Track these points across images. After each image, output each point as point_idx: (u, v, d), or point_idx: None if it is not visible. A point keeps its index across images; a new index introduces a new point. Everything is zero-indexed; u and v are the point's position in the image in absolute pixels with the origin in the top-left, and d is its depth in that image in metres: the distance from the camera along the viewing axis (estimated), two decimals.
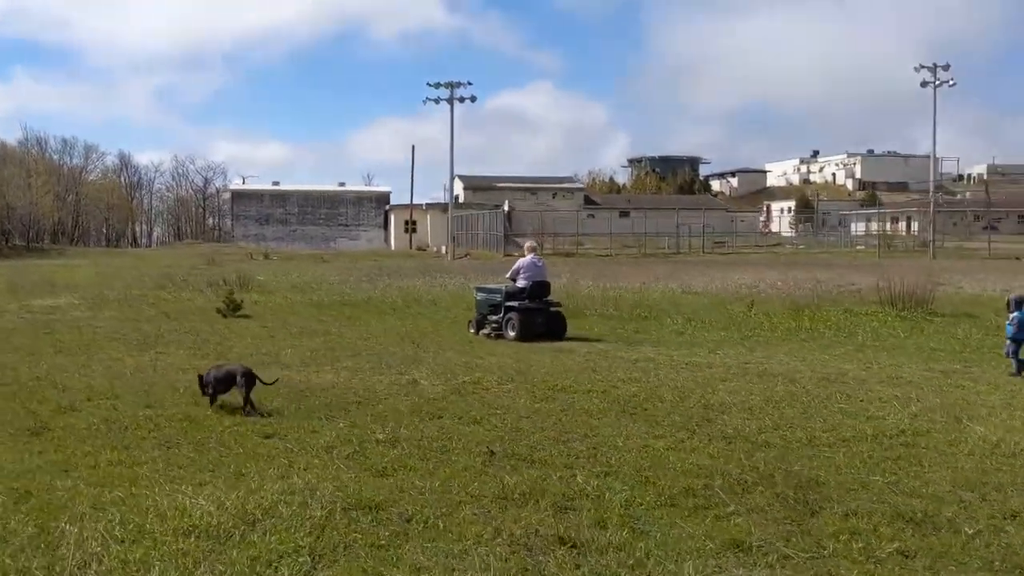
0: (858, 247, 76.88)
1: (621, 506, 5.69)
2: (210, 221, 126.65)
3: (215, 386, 8.89)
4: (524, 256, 16.66)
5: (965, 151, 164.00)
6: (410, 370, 11.49)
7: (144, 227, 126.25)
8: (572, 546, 4.98)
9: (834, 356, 12.99)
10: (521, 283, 16.00)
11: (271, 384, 9.30)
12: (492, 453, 7.09)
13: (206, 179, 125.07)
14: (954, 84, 58.39)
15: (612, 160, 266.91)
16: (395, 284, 28.59)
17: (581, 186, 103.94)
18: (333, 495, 5.91)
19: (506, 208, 68.48)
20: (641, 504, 5.75)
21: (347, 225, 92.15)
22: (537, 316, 15.55)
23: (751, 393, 9.69)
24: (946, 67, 57.99)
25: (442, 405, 9.08)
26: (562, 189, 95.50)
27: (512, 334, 15.28)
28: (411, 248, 76.18)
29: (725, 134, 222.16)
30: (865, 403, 9.20)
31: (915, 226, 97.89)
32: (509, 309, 15.66)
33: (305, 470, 6.67)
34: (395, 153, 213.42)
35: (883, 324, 16.54)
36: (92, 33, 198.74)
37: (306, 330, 16.31)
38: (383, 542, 5.08)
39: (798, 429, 7.95)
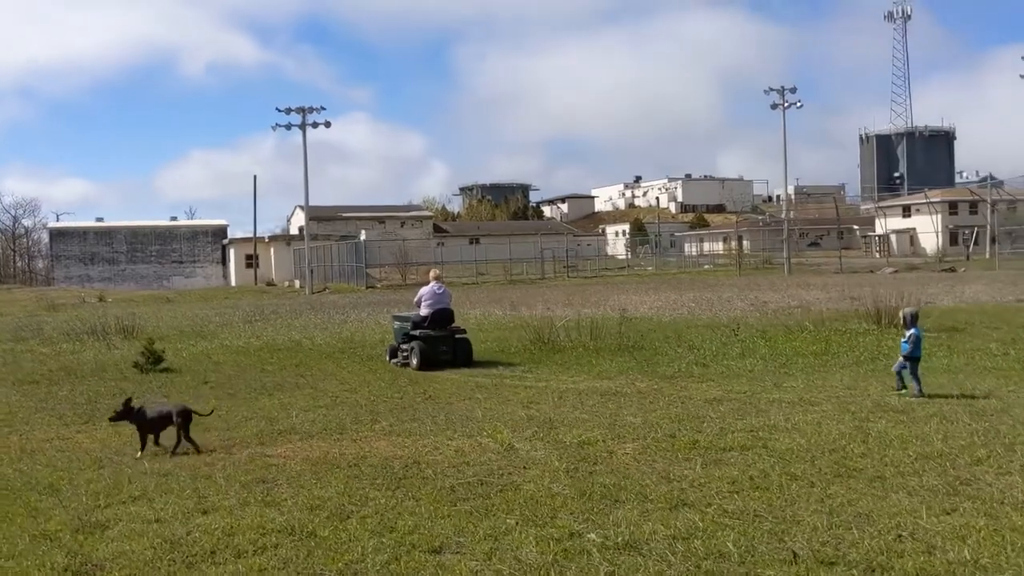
0: (705, 266, 78.63)
1: None
2: (19, 263, 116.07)
3: (152, 425, 8.80)
4: (428, 284, 16.21)
5: (761, 174, 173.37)
6: (477, 430, 9.29)
7: None
8: None
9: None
10: (424, 311, 15.65)
11: (208, 415, 9.33)
12: (796, 556, 5.13)
13: (15, 218, 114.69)
14: (800, 106, 60.41)
15: (431, 189, 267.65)
16: (298, 324, 25.73)
17: (429, 214, 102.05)
18: None
19: (362, 238, 65.47)
20: None
21: (181, 262, 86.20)
22: (440, 344, 15.31)
23: (945, 436, 8.11)
24: (793, 90, 60.02)
25: (600, 481, 7.00)
26: (411, 218, 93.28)
27: (415, 362, 14.98)
28: (255, 283, 71.88)
29: (541, 162, 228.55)
30: None
31: (747, 245, 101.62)
32: (412, 338, 15.35)
33: None
34: (209, 188, 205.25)
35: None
36: None
37: (269, 385, 13.63)
38: None
39: None
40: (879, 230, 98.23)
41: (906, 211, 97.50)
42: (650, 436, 8.63)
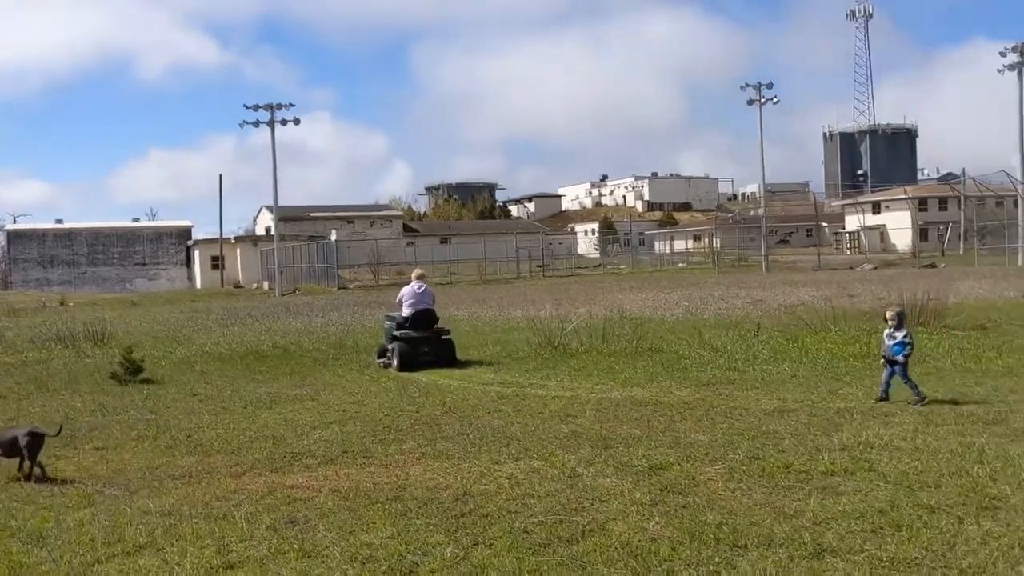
0: (679, 264, 77.99)
1: None
2: None
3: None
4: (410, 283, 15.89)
5: (720, 173, 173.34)
6: (523, 451, 8.13)
7: None
8: None
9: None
10: (405, 311, 15.35)
11: (56, 435, 8.40)
12: None
13: None
14: (777, 101, 59.87)
15: (394, 189, 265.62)
16: (278, 328, 24.38)
17: (399, 214, 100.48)
18: None
19: (333, 238, 63.85)
20: None
21: (145, 264, 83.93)
22: (422, 345, 14.98)
23: None
24: (769, 85, 59.39)
25: (702, 519, 5.87)
26: (380, 217, 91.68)
27: (395, 363, 14.79)
28: (222, 286, 70.05)
29: (502, 162, 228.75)
30: None
31: (717, 243, 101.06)
32: (394, 339, 15.09)
33: None
34: (168, 189, 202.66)
35: (936, 343, 14.56)
36: None
37: (265, 397, 12.34)
38: None
39: None
40: (850, 227, 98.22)
41: (876, 207, 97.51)
42: (729, 457, 7.53)
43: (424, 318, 15.27)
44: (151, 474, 7.99)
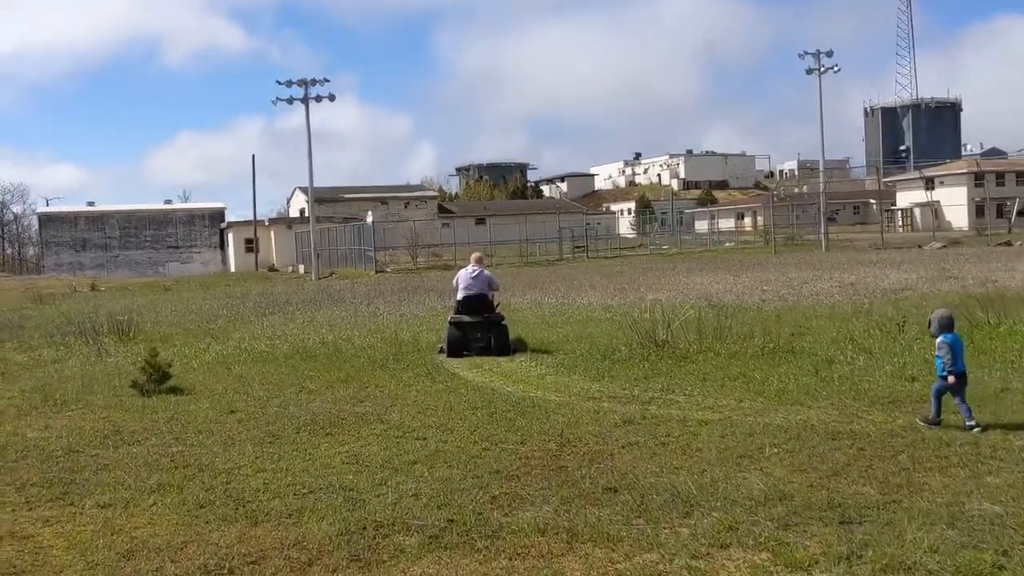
0: (726, 244, 74.87)
1: None
2: (8, 250, 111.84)
3: None
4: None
5: (748, 149, 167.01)
6: (726, 531, 5.44)
7: None
8: None
9: None
10: (459, 295, 14.86)
11: None
12: None
13: (3, 204, 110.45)
14: (838, 70, 56.49)
15: (421, 170, 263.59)
16: (322, 318, 21.89)
17: (434, 194, 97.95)
18: None
19: (370, 220, 61.33)
20: None
21: (178, 247, 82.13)
22: (473, 331, 14.32)
23: None
24: (829, 53, 56.04)
25: None
26: (414, 198, 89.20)
27: (444, 348, 14.37)
28: (256, 269, 68.03)
29: (528, 142, 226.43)
30: None
31: (760, 220, 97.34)
32: (449, 324, 14.53)
33: None
34: (198, 173, 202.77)
35: None
36: None
37: (320, 417, 9.76)
38: None
39: None
40: (902, 203, 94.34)
41: (929, 183, 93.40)
42: None
43: (475, 303, 14.61)
44: (174, 559, 5.44)
